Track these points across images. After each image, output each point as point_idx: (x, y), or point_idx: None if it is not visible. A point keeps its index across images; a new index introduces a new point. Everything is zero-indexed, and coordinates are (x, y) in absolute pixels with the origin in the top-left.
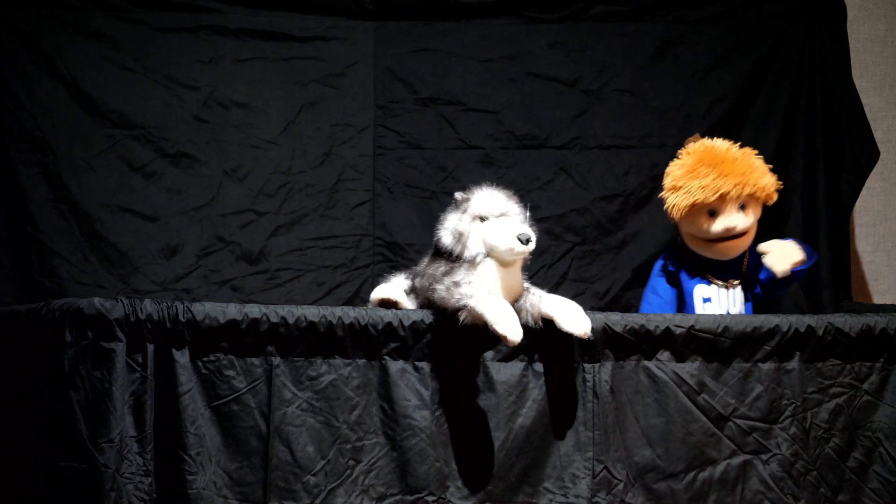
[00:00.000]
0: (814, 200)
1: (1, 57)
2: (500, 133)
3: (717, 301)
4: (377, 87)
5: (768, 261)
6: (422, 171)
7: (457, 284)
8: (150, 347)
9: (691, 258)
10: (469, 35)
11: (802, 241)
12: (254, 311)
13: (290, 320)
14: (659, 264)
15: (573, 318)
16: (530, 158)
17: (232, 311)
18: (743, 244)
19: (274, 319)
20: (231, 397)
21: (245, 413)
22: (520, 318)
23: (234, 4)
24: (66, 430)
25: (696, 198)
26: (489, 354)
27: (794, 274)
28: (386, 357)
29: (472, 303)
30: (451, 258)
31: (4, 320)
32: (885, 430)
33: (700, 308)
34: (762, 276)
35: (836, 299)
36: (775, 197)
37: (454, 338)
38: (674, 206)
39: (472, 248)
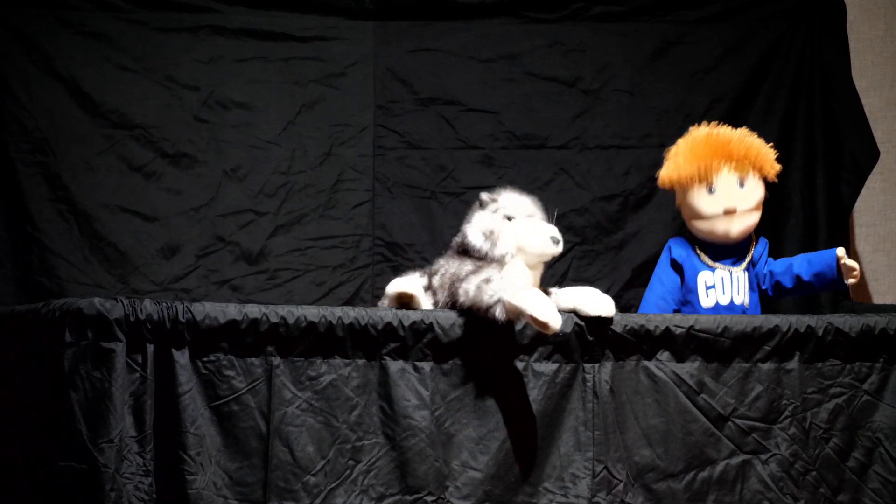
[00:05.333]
0: (813, 200)
1: (1, 57)
2: (499, 133)
3: (721, 288)
4: (377, 87)
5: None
6: (421, 171)
7: (487, 281)
8: (150, 347)
9: (696, 246)
10: (469, 35)
11: (802, 240)
12: (253, 311)
13: (290, 320)
14: (665, 253)
15: (595, 302)
16: (530, 158)
17: (232, 311)
18: (744, 224)
19: (274, 319)
20: (231, 397)
21: (245, 413)
22: None
23: (233, 4)
24: (65, 431)
25: (692, 167)
26: (489, 355)
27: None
28: (386, 357)
29: (507, 296)
30: (479, 257)
31: (4, 320)
32: (885, 431)
33: (703, 296)
34: (776, 269)
35: (836, 299)
36: (774, 171)
37: (453, 339)
38: (672, 181)
39: (503, 247)
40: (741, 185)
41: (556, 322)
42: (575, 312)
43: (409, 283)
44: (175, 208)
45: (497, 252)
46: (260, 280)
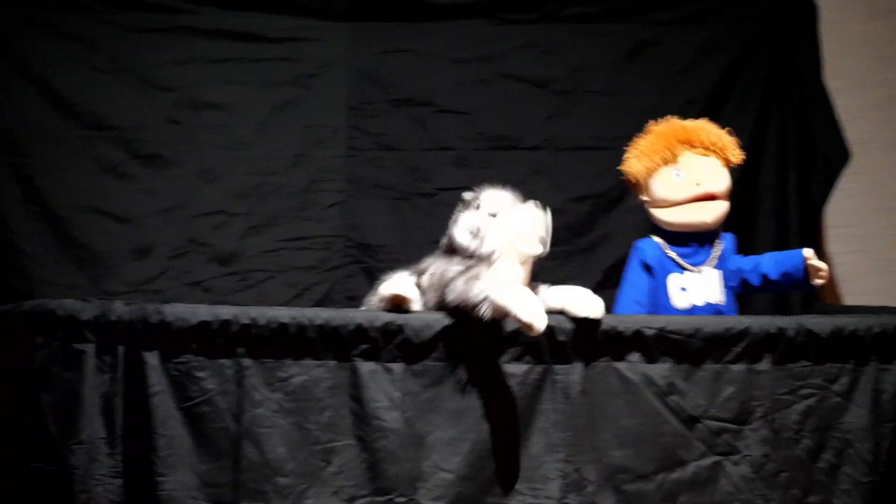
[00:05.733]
0: (785, 201)
1: None
2: (473, 134)
3: (694, 288)
4: (350, 88)
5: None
6: (394, 172)
7: (475, 279)
8: (121, 349)
9: (665, 248)
10: (442, 36)
11: (774, 242)
12: (224, 312)
13: (261, 322)
14: (633, 255)
15: (585, 304)
16: (503, 159)
17: (202, 312)
18: (718, 210)
19: (245, 321)
20: (201, 399)
21: (215, 414)
22: None
23: (207, 5)
24: (36, 432)
25: (657, 155)
26: (460, 356)
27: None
28: (357, 358)
29: (494, 294)
30: (467, 256)
31: None
32: (855, 432)
33: (677, 298)
34: (744, 267)
35: (807, 301)
36: (737, 158)
37: (424, 341)
38: (636, 171)
39: (490, 244)
40: (708, 168)
41: (540, 323)
42: (563, 312)
43: (404, 284)
44: (148, 209)
45: (485, 250)
46: (232, 281)
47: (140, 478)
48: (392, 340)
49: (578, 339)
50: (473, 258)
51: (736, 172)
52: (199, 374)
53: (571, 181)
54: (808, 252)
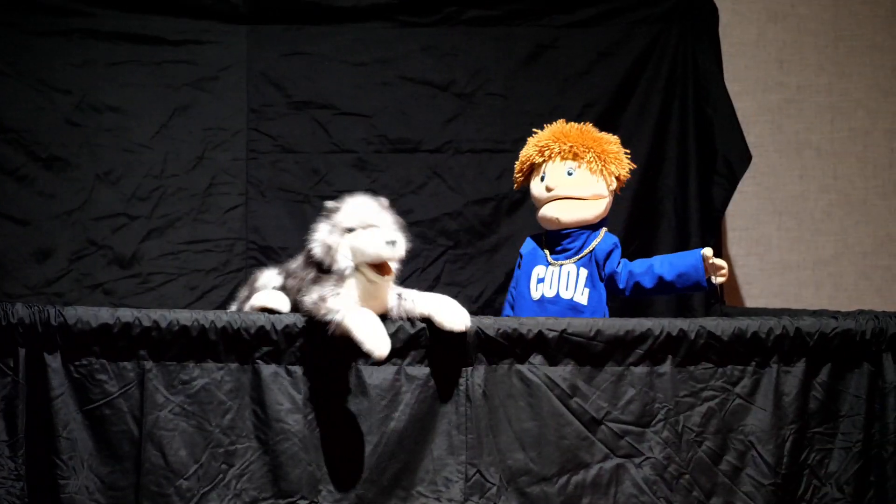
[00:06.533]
0: (686, 204)
1: None
2: (373, 137)
3: (549, 281)
4: (250, 90)
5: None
6: (295, 174)
7: (323, 299)
8: (22, 352)
9: (542, 241)
10: (342, 39)
11: (675, 245)
12: (126, 315)
13: (163, 324)
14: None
15: (451, 315)
16: (403, 162)
17: (104, 315)
18: (576, 209)
19: (146, 323)
20: (103, 401)
21: (117, 417)
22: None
23: (106, 8)
24: None
25: (525, 154)
26: (361, 359)
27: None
28: (258, 361)
29: (338, 318)
30: (321, 269)
31: None
32: (757, 434)
33: (533, 288)
34: (635, 269)
35: (708, 303)
36: (622, 171)
37: (326, 342)
38: (519, 162)
39: (341, 262)
40: (570, 173)
41: (382, 351)
42: (429, 319)
43: (275, 297)
44: (47, 212)
45: (336, 267)
46: (133, 284)
47: (42, 480)
48: (294, 343)
49: (480, 342)
50: (326, 272)
51: (636, 175)
52: (101, 376)
53: (472, 183)
54: (707, 251)
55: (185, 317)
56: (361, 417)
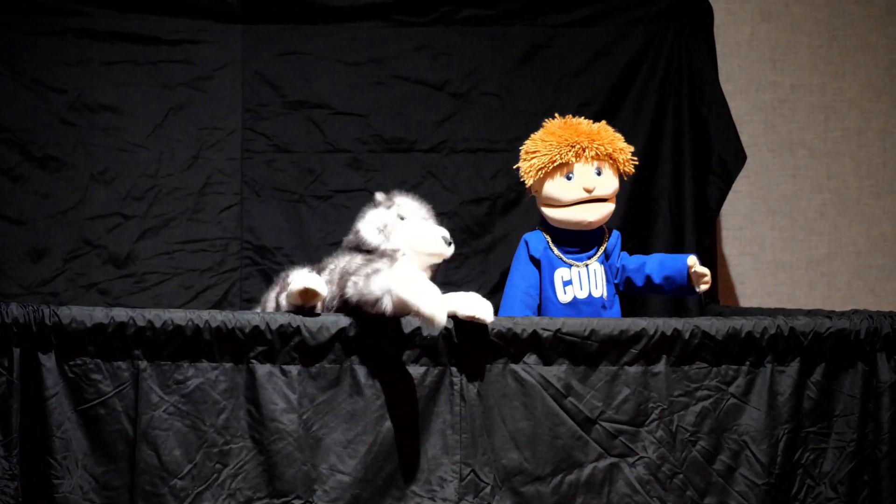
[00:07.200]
0: (681, 204)
1: None
2: (368, 136)
3: (578, 283)
4: (245, 90)
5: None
6: (290, 174)
7: (377, 272)
8: (16, 351)
9: (552, 242)
10: (337, 38)
11: (670, 244)
12: (120, 314)
13: (157, 324)
14: (521, 248)
15: (473, 304)
16: (398, 162)
17: (98, 314)
18: (602, 212)
19: (141, 323)
20: (97, 401)
21: (112, 417)
22: None
23: (102, 7)
24: None
25: (549, 155)
26: (356, 358)
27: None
28: (253, 361)
29: (395, 286)
30: (370, 251)
31: None
32: (751, 433)
33: (561, 292)
34: (629, 265)
35: (703, 303)
36: (629, 166)
37: (321, 342)
38: (529, 169)
39: (395, 242)
40: (598, 173)
41: (441, 318)
42: (453, 317)
43: (314, 278)
44: (42, 212)
45: (389, 246)
46: (128, 284)
47: (36, 480)
48: (288, 342)
49: (475, 341)
50: (376, 254)
51: (632, 174)
52: (96, 376)
53: (467, 183)
54: (691, 259)
55: (179, 316)
56: (356, 417)
